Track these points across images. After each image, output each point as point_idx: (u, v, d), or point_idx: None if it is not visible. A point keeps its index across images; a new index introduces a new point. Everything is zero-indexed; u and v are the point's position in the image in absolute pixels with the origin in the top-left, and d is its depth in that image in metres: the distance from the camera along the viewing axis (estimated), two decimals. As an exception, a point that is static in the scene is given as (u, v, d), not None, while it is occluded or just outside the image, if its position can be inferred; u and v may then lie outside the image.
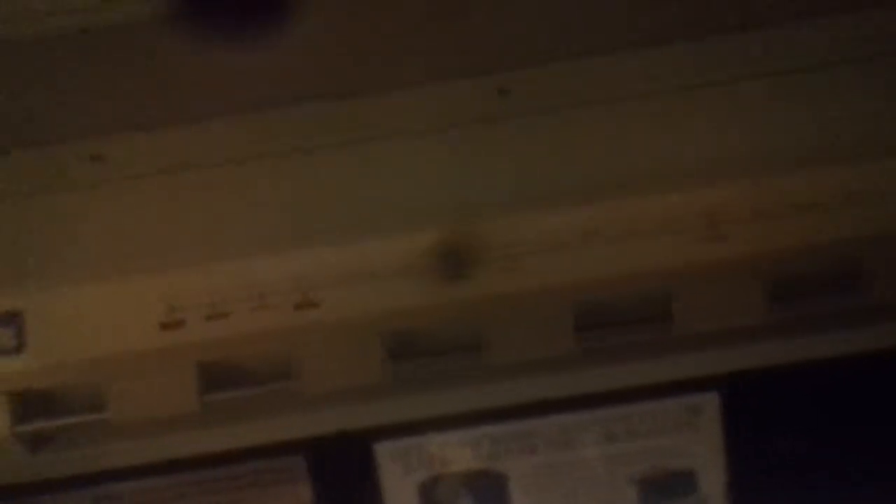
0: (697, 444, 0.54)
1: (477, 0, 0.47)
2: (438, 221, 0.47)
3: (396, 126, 0.48)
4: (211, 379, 0.49)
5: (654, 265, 0.47)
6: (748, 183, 0.47)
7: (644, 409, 0.53)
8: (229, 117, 0.48)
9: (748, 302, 0.48)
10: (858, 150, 0.47)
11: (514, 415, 0.53)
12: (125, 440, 0.50)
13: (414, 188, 0.48)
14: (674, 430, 0.53)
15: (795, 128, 0.47)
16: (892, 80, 0.47)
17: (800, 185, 0.46)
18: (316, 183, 0.48)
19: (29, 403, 0.49)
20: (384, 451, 0.53)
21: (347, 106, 0.47)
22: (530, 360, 0.49)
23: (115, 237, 0.48)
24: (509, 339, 0.48)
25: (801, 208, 0.46)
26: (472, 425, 0.53)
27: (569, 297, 0.48)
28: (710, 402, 0.53)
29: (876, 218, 0.47)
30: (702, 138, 0.47)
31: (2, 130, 0.48)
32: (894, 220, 0.47)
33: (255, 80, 0.46)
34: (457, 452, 0.54)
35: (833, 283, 0.48)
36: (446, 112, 0.47)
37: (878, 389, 0.53)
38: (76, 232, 0.48)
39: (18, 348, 0.47)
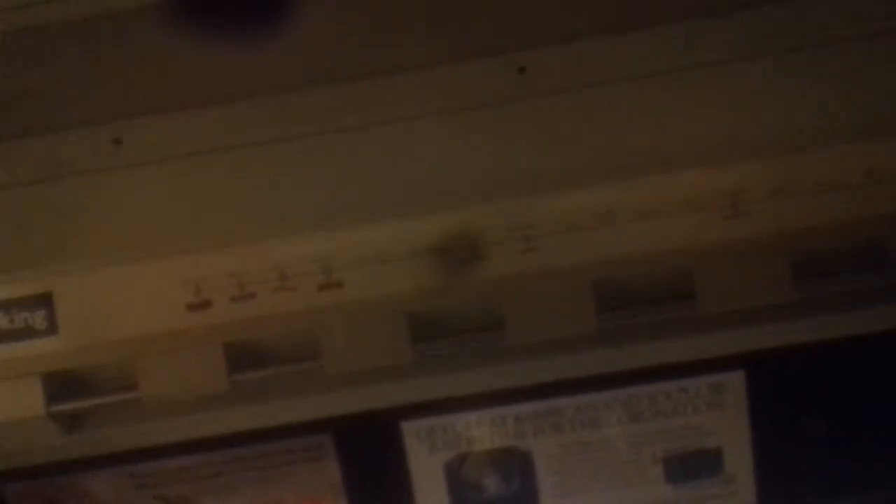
0: (723, 422, 0.53)
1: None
2: (460, 201, 0.47)
3: (416, 106, 0.48)
4: (239, 359, 0.50)
5: (676, 243, 0.47)
6: (771, 160, 0.46)
7: (669, 388, 0.53)
8: (251, 100, 0.48)
9: (772, 280, 0.47)
10: (882, 127, 0.46)
11: (539, 394, 0.53)
12: (157, 419, 0.51)
13: (435, 168, 0.48)
14: (699, 409, 0.53)
15: (818, 104, 0.46)
16: None
17: (823, 161, 0.46)
18: (337, 164, 0.48)
19: (63, 384, 0.50)
20: (411, 430, 0.54)
21: (367, 87, 0.48)
22: (555, 340, 0.49)
23: (139, 220, 0.48)
24: (533, 319, 0.48)
25: (825, 185, 0.46)
26: (498, 405, 0.54)
27: (591, 276, 0.48)
28: (736, 381, 0.53)
29: None
30: (724, 115, 0.47)
31: (25, 115, 0.49)
32: None
33: (275, 63, 0.46)
34: (483, 431, 0.54)
35: (857, 260, 0.48)
36: (465, 91, 0.47)
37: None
38: (102, 215, 0.49)
39: (50, 330, 0.48)
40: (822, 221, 0.46)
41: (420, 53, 0.47)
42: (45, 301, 0.48)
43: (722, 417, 0.53)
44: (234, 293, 0.48)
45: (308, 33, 0.46)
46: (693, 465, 0.54)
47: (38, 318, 0.48)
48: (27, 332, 0.48)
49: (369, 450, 0.55)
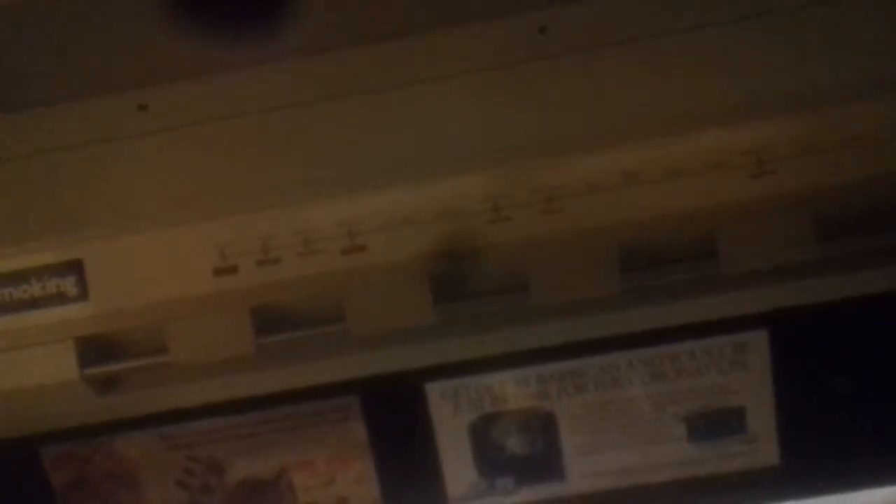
0: (746, 382, 0.54)
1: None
2: (482, 163, 0.47)
3: (438, 68, 0.47)
4: (265, 322, 0.50)
5: (700, 203, 0.47)
6: (795, 117, 0.46)
7: (692, 348, 0.53)
8: (274, 64, 0.48)
9: (796, 238, 0.47)
10: None
11: (562, 355, 0.53)
12: (187, 382, 0.52)
13: (457, 130, 0.48)
14: (722, 368, 0.53)
15: (843, 61, 0.46)
16: None
17: (848, 118, 0.45)
18: (360, 128, 0.48)
19: (95, 348, 0.51)
20: (435, 391, 0.55)
21: (388, 49, 0.47)
22: (578, 300, 0.49)
23: (166, 185, 0.49)
24: (556, 279, 0.49)
25: (849, 142, 0.45)
26: (521, 365, 0.54)
27: (615, 236, 0.48)
28: (759, 340, 0.53)
29: None
30: (748, 73, 0.46)
31: (51, 83, 0.49)
32: None
33: (297, 27, 0.46)
34: (506, 392, 0.55)
35: (881, 218, 0.47)
36: (486, 52, 0.47)
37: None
38: (129, 181, 0.49)
39: (81, 295, 0.49)
40: (847, 179, 0.46)
41: (441, 14, 0.47)
42: (75, 267, 0.49)
43: (745, 377, 0.53)
44: (259, 258, 0.48)
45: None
46: (716, 424, 0.55)
47: (69, 285, 0.49)
48: (59, 298, 0.49)
49: (395, 411, 0.55)
